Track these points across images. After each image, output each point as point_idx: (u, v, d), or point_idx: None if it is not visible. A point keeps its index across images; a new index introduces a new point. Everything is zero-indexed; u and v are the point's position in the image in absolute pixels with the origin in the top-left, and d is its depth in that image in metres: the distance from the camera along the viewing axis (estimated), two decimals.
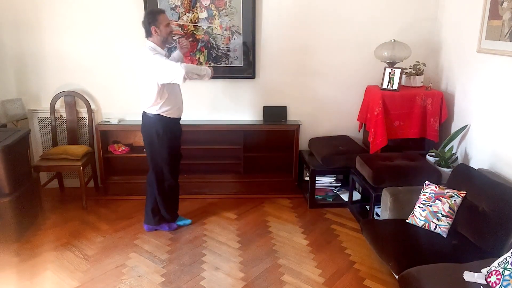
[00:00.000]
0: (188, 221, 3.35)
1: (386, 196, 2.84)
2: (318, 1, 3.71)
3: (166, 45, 3.05)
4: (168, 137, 3.00)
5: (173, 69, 2.76)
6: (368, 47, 3.74)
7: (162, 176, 3.10)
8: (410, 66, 3.65)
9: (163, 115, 2.94)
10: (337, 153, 3.58)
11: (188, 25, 3.68)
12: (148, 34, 2.90)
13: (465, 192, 2.55)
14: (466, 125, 3.25)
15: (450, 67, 3.54)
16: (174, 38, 3.39)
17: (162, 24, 2.86)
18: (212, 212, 3.57)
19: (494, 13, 2.87)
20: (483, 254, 2.24)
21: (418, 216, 2.59)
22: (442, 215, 2.51)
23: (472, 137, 3.20)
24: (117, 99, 3.90)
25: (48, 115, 3.82)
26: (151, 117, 2.96)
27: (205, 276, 2.68)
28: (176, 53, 3.26)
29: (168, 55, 3.07)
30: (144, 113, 3.01)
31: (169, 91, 2.91)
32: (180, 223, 3.32)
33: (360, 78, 3.89)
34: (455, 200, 2.53)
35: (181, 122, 3.78)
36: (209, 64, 3.78)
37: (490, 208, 2.36)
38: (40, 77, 3.80)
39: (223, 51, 3.78)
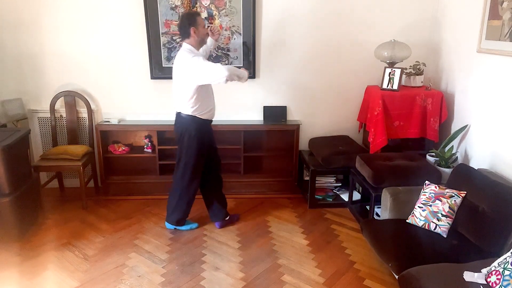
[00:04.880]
0: (195, 225, 3.33)
1: (386, 196, 2.84)
2: (318, 1, 3.72)
3: (202, 45, 3.12)
4: (199, 140, 3.03)
5: (216, 71, 2.80)
6: (368, 47, 3.75)
7: (186, 177, 3.11)
8: (410, 66, 3.65)
9: (197, 116, 2.98)
10: (337, 153, 3.58)
11: None
12: (186, 36, 2.92)
13: (465, 192, 2.55)
14: (466, 125, 3.25)
15: (450, 67, 3.54)
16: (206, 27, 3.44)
17: (200, 25, 2.93)
18: None
19: (494, 13, 2.87)
20: (483, 254, 2.24)
21: (418, 216, 2.59)
22: (442, 215, 2.51)
23: (472, 137, 3.20)
24: (117, 99, 3.90)
25: (48, 115, 3.82)
26: (186, 118, 2.98)
27: (205, 276, 2.68)
28: (209, 40, 3.28)
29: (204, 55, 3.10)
30: (179, 114, 3.03)
31: (204, 92, 2.96)
32: (187, 227, 3.29)
33: (360, 78, 3.90)
34: (455, 200, 2.53)
35: None
36: None
37: (490, 208, 2.36)
38: (40, 77, 3.80)
39: (223, 51, 3.77)
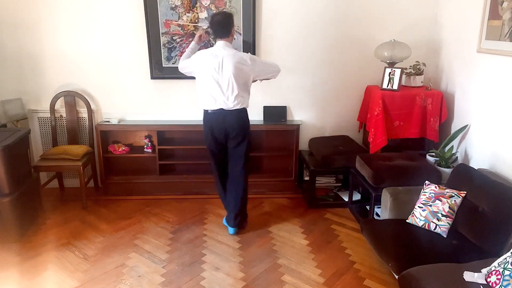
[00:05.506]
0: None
1: (386, 196, 2.84)
2: (318, 1, 3.72)
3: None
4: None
5: (277, 67, 3.06)
6: (368, 47, 3.75)
7: (247, 174, 3.17)
8: (410, 66, 3.65)
9: (247, 108, 3.06)
10: (337, 153, 3.58)
11: (188, 25, 3.68)
12: (227, 35, 2.96)
13: (465, 192, 2.55)
14: (466, 125, 3.25)
15: (450, 67, 3.54)
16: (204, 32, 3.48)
17: (234, 26, 3.07)
18: (212, 212, 3.57)
19: (494, 13, 2.87)
20: (483, 254, 2.24)
21: (418, 216, 2.59)
22: (442, 215, 2.51)
23: (472, 137, 3.20)
24: (117, 99, 3.90)
25: (48, 115, 3.82)
26: (243, 112, 3.04)
27: (205, 276, 2.68)
28: (194, 44, 3.27)
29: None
30: (237, 110, 2.97)
31: None
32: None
33: (360, 78, 3.90)
34: (455, 200, 2.53)
35: (181, 123, 3.83)
36: None
37: (490, 208, 2.36)
38: (40, 77, 3.80)
39: None
